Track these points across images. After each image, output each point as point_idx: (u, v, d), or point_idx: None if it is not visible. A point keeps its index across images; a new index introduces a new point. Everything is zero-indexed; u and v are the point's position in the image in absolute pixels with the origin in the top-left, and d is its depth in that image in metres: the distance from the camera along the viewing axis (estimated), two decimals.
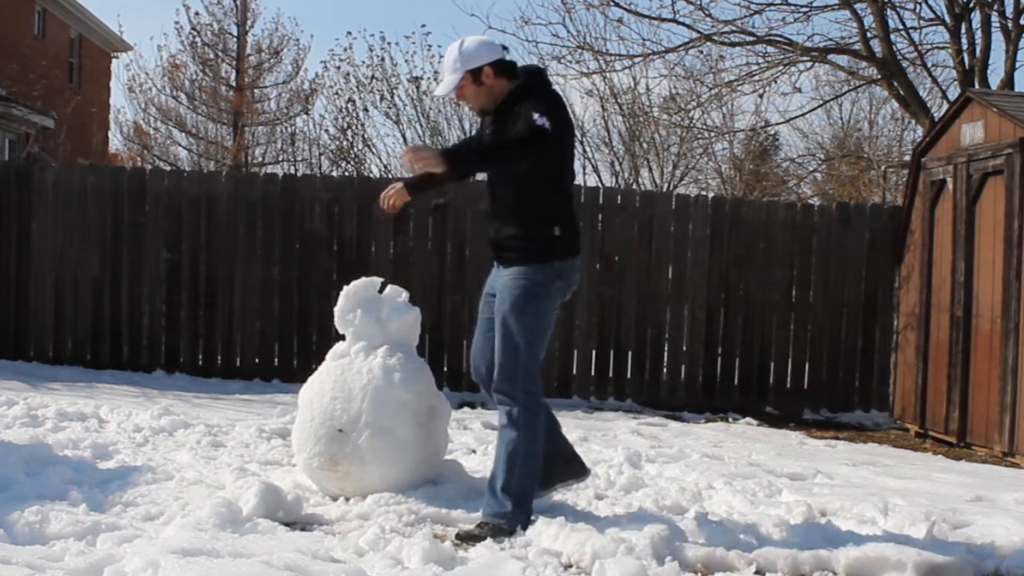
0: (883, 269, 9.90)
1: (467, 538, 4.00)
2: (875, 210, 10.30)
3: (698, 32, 12.96)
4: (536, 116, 3.98)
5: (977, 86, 12.35)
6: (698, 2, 12.75)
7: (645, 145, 17.70)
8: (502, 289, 4.26)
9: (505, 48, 4.25)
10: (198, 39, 22.78)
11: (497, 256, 4.41)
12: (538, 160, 4.10)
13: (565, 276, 4.24)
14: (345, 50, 23.96)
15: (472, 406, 9.05)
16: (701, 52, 13.75)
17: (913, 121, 15.15)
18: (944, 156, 8.63)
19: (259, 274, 9.98)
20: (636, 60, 13.71)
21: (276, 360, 9.99)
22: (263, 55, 23.46)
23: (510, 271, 4.26)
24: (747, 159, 22.09)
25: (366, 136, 18.75)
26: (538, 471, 4.21)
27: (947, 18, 13.21)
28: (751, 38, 13.04)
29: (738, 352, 9.98)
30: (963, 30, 13.26)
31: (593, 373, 9.94)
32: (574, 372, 9.94)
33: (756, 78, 13.34)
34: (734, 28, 13.01)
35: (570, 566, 3.75)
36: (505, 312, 4.18)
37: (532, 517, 4.13)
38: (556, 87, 4.39)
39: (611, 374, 9.95)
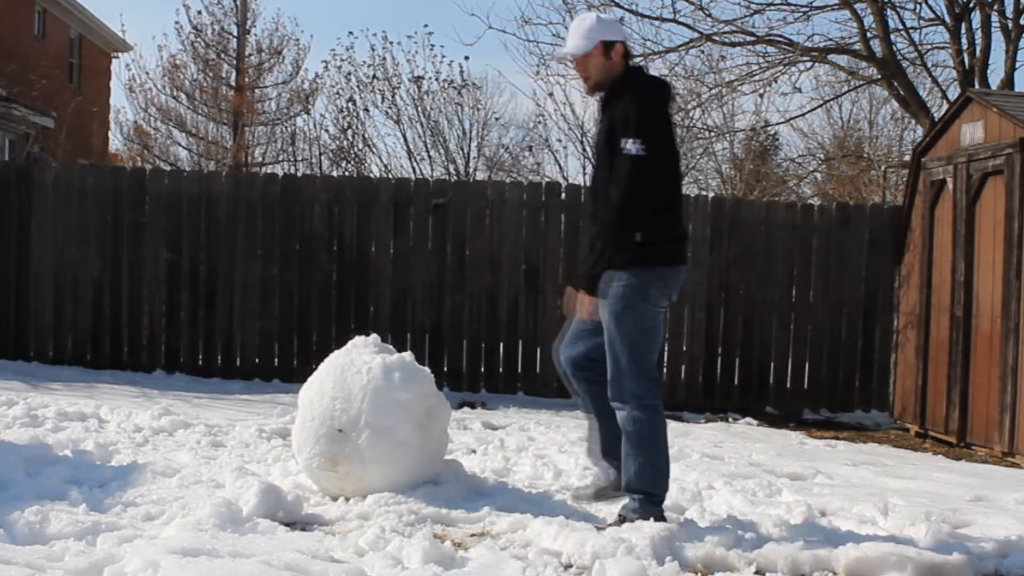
0: (883, 269, 9.90)
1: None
2: (875, 210, 10.30)
3: (698, 32, 12.97)
4: (626, 144, 4.02)
5: (977, 86, 12.35)
6: (698, 2, 12.76)
7: None
8: (605, 295, 4.21)
9: None
10: (198, 39, 22.77)
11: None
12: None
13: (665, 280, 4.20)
14: (347, 49, 23.94)
15: (472, 406, 9.06)
16: (701, 52, 13.74)
17: (913, 121, 15.16)
18: (944, 156, 8.63)
19: (259, 274, 9.98)
20: (636, 60, 13.69)
21: (276, 360, 9.99)
22: (263, 55, 23.45)
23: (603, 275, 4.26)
24: (747, 159, 22.10)
25: (367, 136, 18.76)
26: (664, 470, 4.17)
27: (947, 18, 13.21)
28: (751, 38, 13.04)
29: (738, 352, 9.98)
30: (963, 30, 13.26)
31: None
32: None
33: (756, 78, 13.34)
34: (734, 28, 13.02)
35: (570, 566, 3.75)
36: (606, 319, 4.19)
37: (660, 513, 4.16)
38: (653, 74, 4.64)
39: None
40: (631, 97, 4.08)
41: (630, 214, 4.05)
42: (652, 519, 4.01)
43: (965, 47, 13.23)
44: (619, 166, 4.04)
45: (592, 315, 4.16)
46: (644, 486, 4.12)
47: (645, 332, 4.13)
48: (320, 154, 20.41)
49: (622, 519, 4.10)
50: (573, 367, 4.38)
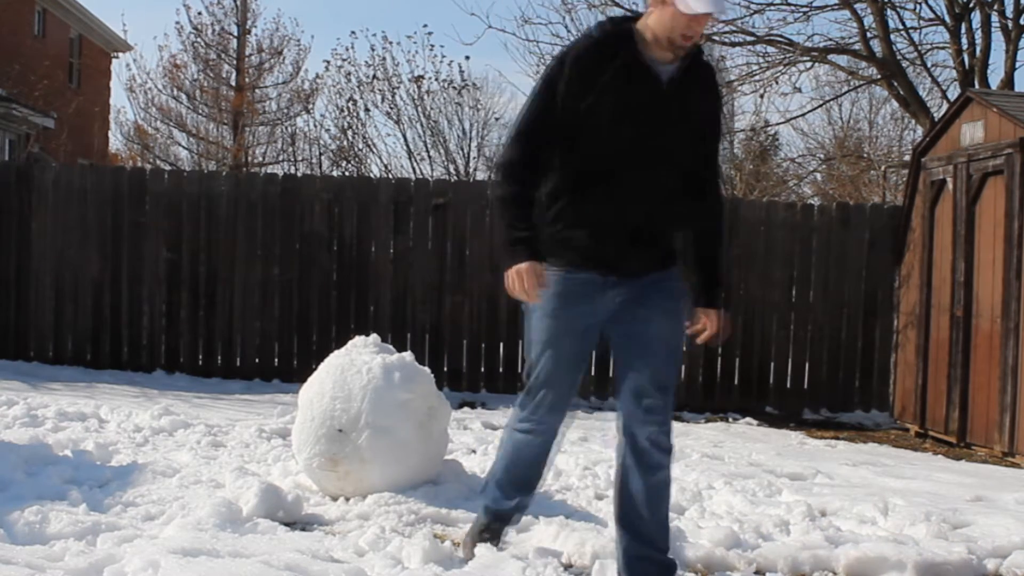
0: (883, 269, 9.89)
1: None
2: (875, 210, 10.30)
3: None
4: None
5: (977, 86, 12.35)
6: None
7: None
8: (671, 295, 3.48)
9: None
10: (199, 39, 22.78)
11: (650, 254, 3.44)
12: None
13: None
14: (347, 49, 24.00)
15: (472, 406, 9.06)
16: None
17: (913, 121, 15.16)
18: (944, 156, 8.62)
19: (259, 274, 9.98)
20: None
21: (276, 360, 9.99)
22: (263, 55, 23.45)
23: (673, 272, 3.50)
24: (747, 159, 22.09)
25: (367, 136, 18.77)
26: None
27: (947, 18, 13.22)
28: (751, 38, 13.04)
29: (738, 352, 9.98)
30: (963, 30, 13.26)
31: (593, 373, 9.93)
32: None
33: (756, 78, 13.35)
34: (734, 28, 13.02)
35: (570, 566, 3.75)
36: (682, 324, 3.53)
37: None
38: None
39: (611, 374, 9.88)
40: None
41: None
42: None
43: (965, 47, 13.23)
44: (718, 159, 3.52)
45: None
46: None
47: None
48: (320, 154, 20.43)
49: None
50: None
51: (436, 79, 18.32)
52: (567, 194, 3.36)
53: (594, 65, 3.29)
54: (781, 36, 13.16)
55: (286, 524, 4.10)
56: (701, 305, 3.52)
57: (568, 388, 3.52)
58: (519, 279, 3.27)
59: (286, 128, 23.09)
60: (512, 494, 3.71)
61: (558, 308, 3.38)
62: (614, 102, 3.27)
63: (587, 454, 6.03)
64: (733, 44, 13.23)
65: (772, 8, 13.02)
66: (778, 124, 19.05)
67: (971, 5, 13.12)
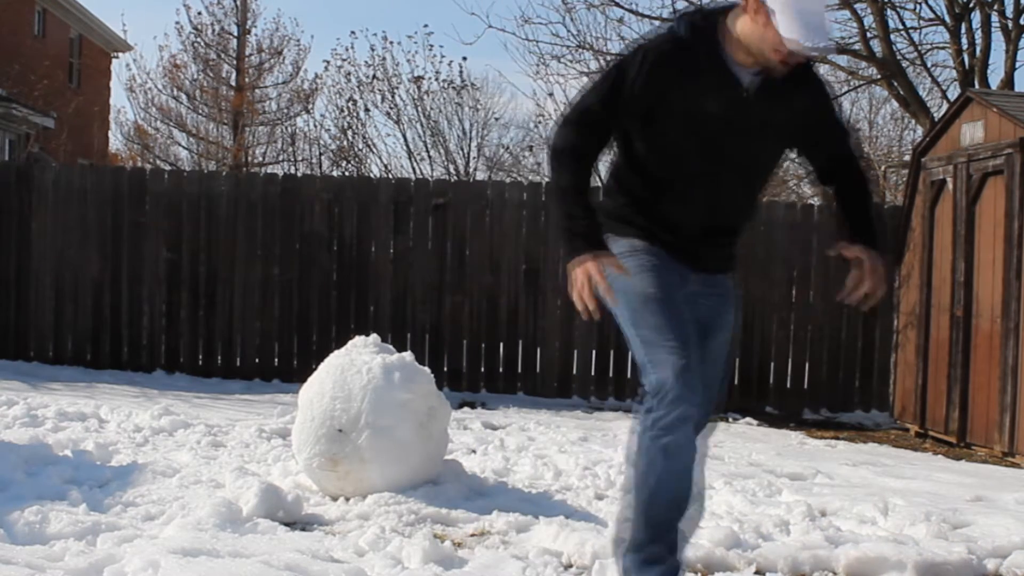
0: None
1: None
2: (875, 210, 10.28)
3: None
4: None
5: (977, 86, 12.35)
6: (698, 2, 12.76)
7: None
8: (730, 299, 3.55)
9: None
10: (199, 39, 22.78)
11: (719, 259, 3.46)
12: None
13: None
14: (347, 49, 24.01)
15: (472, 406, 9.06)
16: None
17: (913, 121, 15.16)
18: (944, 156, 8.62)
19: (259, 274, 9.99)
20: None
21: (276, 360, 10.00)
22: (263, 55, 23.45)
23: (728, 277, 3.53)
24: None
25: (367, 136, 18.78)
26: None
27: (947, 18, 13.21)
28: None
29: (738, 352, 9.96)
30: (963, 30, 13.26)
31: (593, 373, 9.94)
32: (574, 372, 9.94)
33: None
34: None
35: (570, 566, 3.75)
36: (734, 327, 3.52)
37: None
38: None
39: (611, 374, 9.95)
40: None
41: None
42: None
43: (965, 47, 13.23)
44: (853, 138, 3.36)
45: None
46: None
47: None
48: (320, 154, 20.45)
49: None
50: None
51: (436, 79, 18.34)
52: (634, 194, 3.19)
53: (672, 67, 3.06)
54: None
55: (286, 524, 4.10)
56: (860, 244, 3.41)
57: (697, 356, 3.09)
58: (585, 275, 2.96)
59: (286, 128, 23.13)
60: (656, 538, 3.09)
61: (651, 259, 3.13)
62: (687, 109, 3.07)
63: (587, 454, 6.03)
64: None
65: None
66: None
67: (971, 5, 13.12)
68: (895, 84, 13.20)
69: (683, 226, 3.19)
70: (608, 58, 13.95)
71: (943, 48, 14.28)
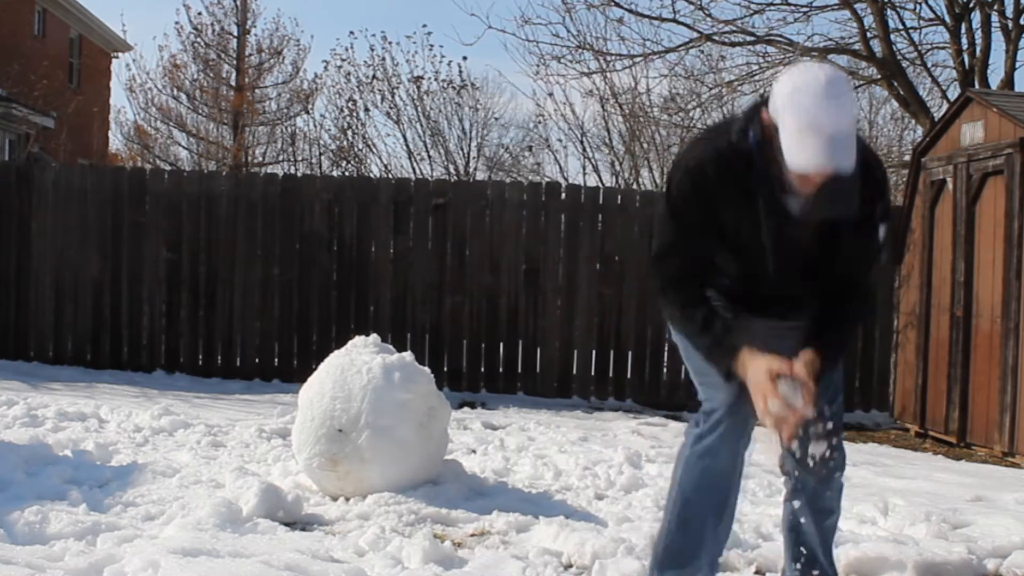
0: (883, 269, 9.88)
1: None
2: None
3: (698, 32, 12.98)
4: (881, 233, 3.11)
5: (977, 86, 12.35)
6: (698, 2, 12.77)
7: (645, 145, 17.68)
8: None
9: None
10: (199, 39, 22.76)
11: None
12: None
13: None
14: (346, 49, 23.93)
15: (472, 406, 9.06)
16: (701, 52, 13.76)
17: (913, 121, 15.15)
18: (944, 156, 8.62)
19: (259, 274, 9.98)
20: (636, 60, 13.73)
21: (276, 360, 9.99)
22: (263, 55, 23.42)
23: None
24: None
25: (366, 136, 18.76)
26: None
27: (947, 18, 13.21)
28: (751, 38, 13.04)
29: None
30: (963, 30, 13.26)
31: (593, 373, 9.94)
32: (574, 372, 9.93)
33: (756, 78, 13.34)
34: (734, 28, 13.03)
35: (570, 566, 3.75)
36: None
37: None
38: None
39: (611, 374, 9.95)
40: (884, 174, 3.13)
41: None
42: None
43: (965, 47, 13.23)
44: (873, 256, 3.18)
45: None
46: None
47: None
48: (320, 154, 20.42)
49: None
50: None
51: (436, 79, 18.33)
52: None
53: (716, 181, 2.91)
54: (781, 36, 13.18)
55: (286, 524, 4.10)
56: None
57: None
58: (762, 388, 2.99)
59: (286, 128, 23.09)
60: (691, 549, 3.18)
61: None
62: (736, 227, 2.97)
63: (587, 454, 6.04)
64: (733, 44, 13.24)
65: (772, 8, 13.03)
66: None
67: (971, 5, 13.12)
68: (895, 84, 13.20)
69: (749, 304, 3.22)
70: (607, 59, 13.96)
71: (943, 48, 14.28)
